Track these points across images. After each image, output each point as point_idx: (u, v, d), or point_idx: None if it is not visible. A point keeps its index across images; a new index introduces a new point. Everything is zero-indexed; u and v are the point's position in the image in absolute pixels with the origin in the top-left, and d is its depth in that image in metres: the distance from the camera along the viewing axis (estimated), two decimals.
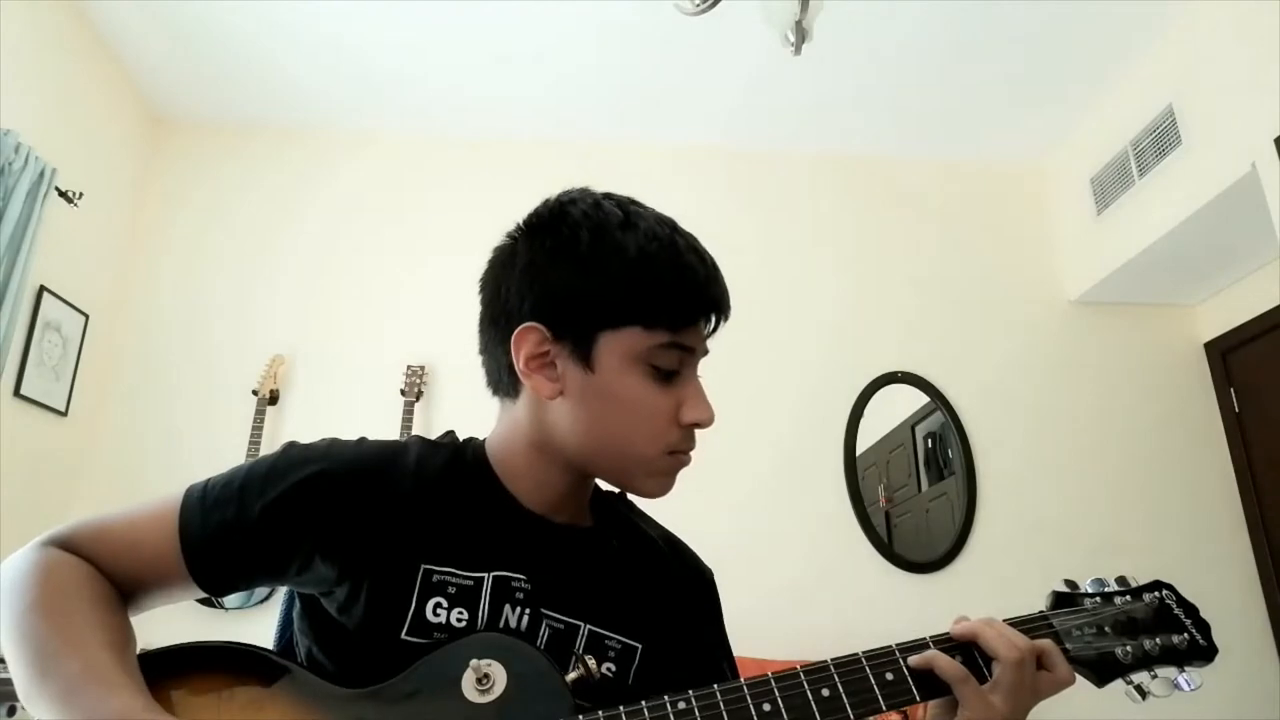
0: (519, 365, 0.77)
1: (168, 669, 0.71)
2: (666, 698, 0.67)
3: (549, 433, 0.80)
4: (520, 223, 0.82)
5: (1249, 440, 3.08)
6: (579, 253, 0.76)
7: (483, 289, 0.84)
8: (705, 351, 0.81)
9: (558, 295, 0.76)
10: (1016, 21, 2.76)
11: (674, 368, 0.77)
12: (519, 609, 0.76)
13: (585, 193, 0.81)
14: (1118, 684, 0.76)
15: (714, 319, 0.80)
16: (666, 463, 0.79)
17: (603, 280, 0.75)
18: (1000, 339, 3.30)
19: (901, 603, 2.94)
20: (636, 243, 0.76)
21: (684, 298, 0.76)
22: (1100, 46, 2.87)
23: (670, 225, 0.80)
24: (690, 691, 0.68)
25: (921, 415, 3.22)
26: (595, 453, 0.79)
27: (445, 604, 0.75)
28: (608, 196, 0.81)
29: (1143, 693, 0.75)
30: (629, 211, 0.78)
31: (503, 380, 0.83)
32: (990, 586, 2.93)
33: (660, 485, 0.80)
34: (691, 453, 0.80)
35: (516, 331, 0.77)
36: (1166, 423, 3.19)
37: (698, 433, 0.81)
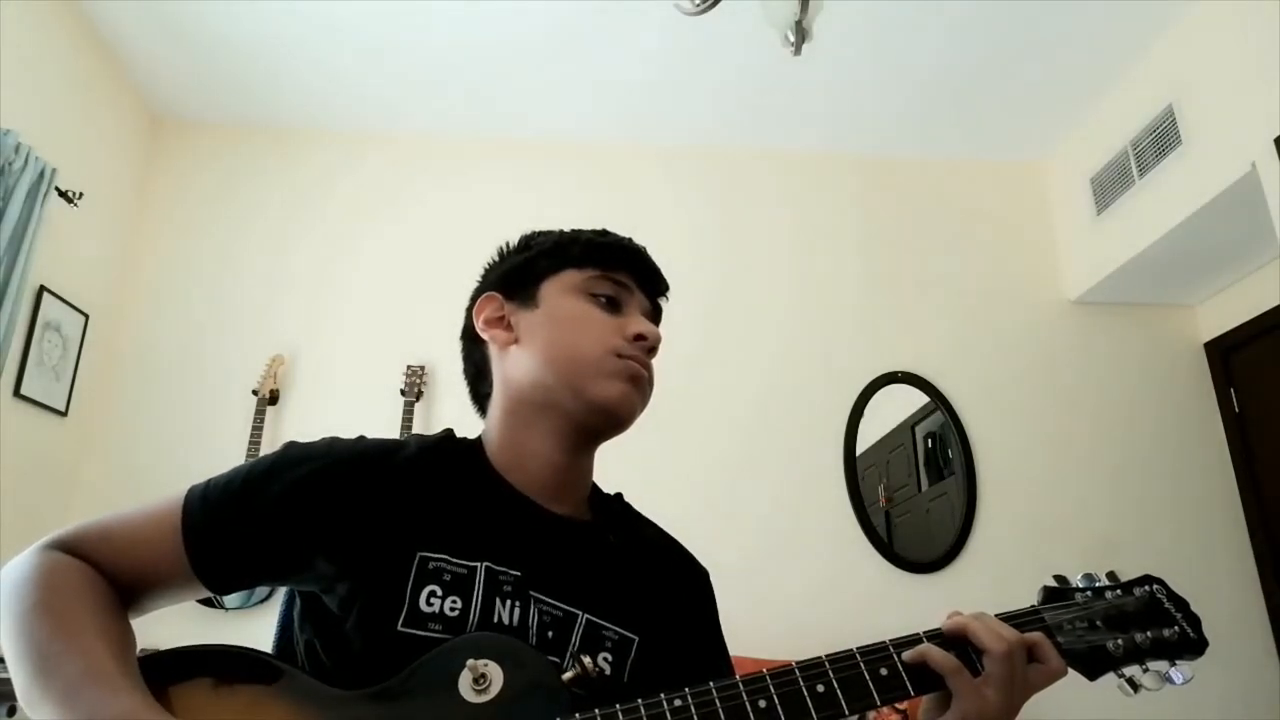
0: (479, 325, 0.92)
1: (167, 672, 0.71)
2: (663, 695, 0.67)
3: (516, 383, 0.87)
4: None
5: (1249, 440, 3.07)
6: (521, 245, 0.96)
7: (462, 332, 0.97)
8: (648, 311, 0.92)
9: (506, 270, 0.94)
10: (1016, 22, 2.76)
11: (611, 294, 0.89)
12: (509, 601, 0.77)
13: None
14: (1110, 677, 0.76)
15: (640, 273, 0.92)
16: (615, 364, 0.84)
17: (540, 248, 0.93)
18: (1000, 339, 3.29)
19: (901, 603, 2.94)
20: (566, 229, 0.95)
21: (606, 245, 0.92)
22: (1100, 46, 2.87)
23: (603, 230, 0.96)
24: (686, 689, 0.68)
25: (921, 415, 3.22)
26: (553, 372, 0.84)
27: (439, 592, 0.75)
28: None
29: (1134, 685, 0.75)
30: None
31: (481, 374, 0.93)
32: (990, 586, 2.93)
33: (618, 389, 0.84)
34: (646, 372, 0.87)
35: (477, 301, 0.93)
36: (1166, 423, 3.19)
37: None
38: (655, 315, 0.94)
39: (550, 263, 0.90)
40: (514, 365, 0.88)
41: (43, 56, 2.71)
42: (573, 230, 0.95)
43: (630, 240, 0.94)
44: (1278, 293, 2.91)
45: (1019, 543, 3.02)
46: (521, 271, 0.92)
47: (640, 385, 0.86)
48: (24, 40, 2.59)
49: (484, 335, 0.91)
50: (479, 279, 0.97)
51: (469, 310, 0.95)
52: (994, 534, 3.06)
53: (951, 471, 3.15)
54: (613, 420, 0.85)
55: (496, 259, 0.97)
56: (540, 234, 0.96)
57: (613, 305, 0.88)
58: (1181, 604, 0.81)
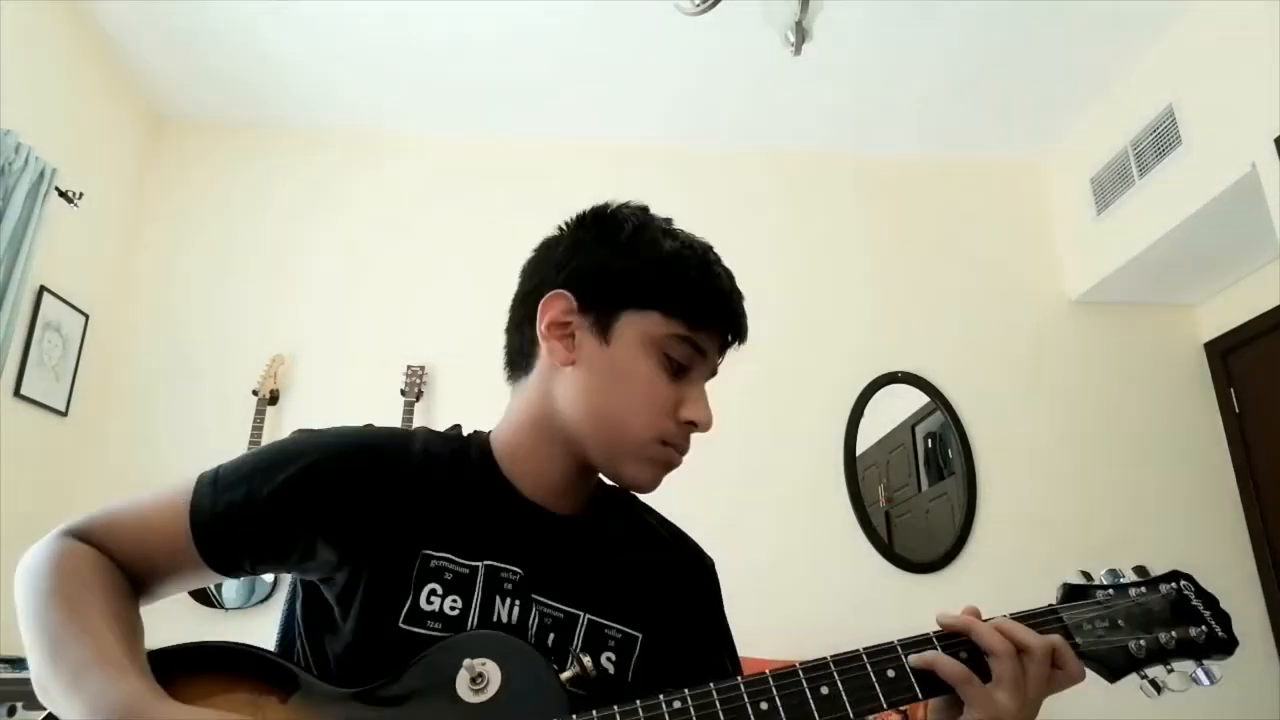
0: (541, 327, 0.82)
1: (168, 668, 0.71)
2: (662, 697, 0.67)
3: (554, 404, 0.82)
4: (571, 217, 0.87)
5: (1249, 440, 3.07)
6: (619, 239, 0.82)
7: (522, 273, 0.88)
8: (714, 370, 0.85)
9: (591, 269, 0.82)
10: (1016, 22, 2.76)
11: (685, 362, 0.80)
12: (509, 600, 0.77)
13: (636, 205, 0.87)
14: (1131, 678, 0.73)
15: (730, 335, 0.84)
16: (657, 451, 0.80)
17: (636, 263, 0.81)
18: (1000, 339, 3.29)
19: (901, 603, 2.94)
20: (673, 244, 0.82)
21: (707, 297, 0.81)
22: (1100, 46, 2.87)
23: (707, 246, 0.85)
24: (686, 690, 0.67)
25: (921, 415, 3.22)
26: (593, 427, 0.80)
27: (440, 591, 0.75)
28: (654, 213, 0.87)
29: (1158, 687, 0.72)
30: (671, 224, 0.86)
31: (522, 353, 0.86)
32: (990, 586, 2.92)
33: (648, 475, 0.82)
34: (683, 456, 0.82)
35: (546, 296, 0.82)
36: (1166, 423, 3.19)
37: (698, 437, 0.82)
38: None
39: (640, 296, 0.79)
40: (561, 387, 0.81)
41: (43, 56, 2.70)
42: (679, 254, 0.81)
43: (734, 292, 0.84)
44: (1278, 293, 2.91)
45: (1019, 543, 3.02)
46: (605, 283, 0.81)
47: (671, 468, 0.83)
48: (24, 40, 2.58)
49: (542, 341, 0.82)
50: (545, 250, 0.86)
51: (532, 277, 0.86)
52: (994, 534, 3.06)
53: (951, 471, 3.15)
54: (632, 489, 0.85)
55: (577, 239, 0.84)
56: (638, 234, 0.82)
57: (680, 371, 0.81)
58: (1211, 601, 0.78)
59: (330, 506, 0.77)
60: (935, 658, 0.70)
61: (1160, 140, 2.81)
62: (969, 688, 0.69)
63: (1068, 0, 2.65)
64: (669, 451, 0.81)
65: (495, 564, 0.78)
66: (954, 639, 0.72)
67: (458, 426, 0.90)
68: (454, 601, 0.75)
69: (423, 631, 0.74)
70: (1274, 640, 2.92)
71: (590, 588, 0.81)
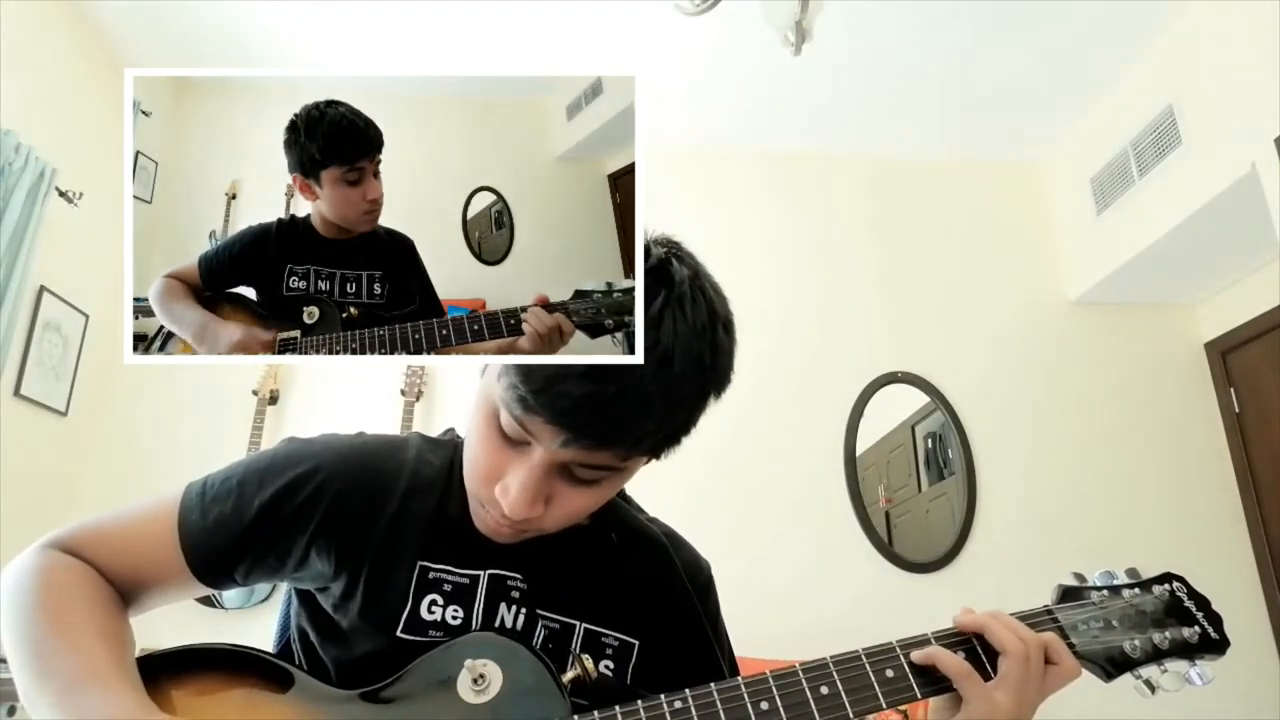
0: None
1: (166, 671, 0.71)
2: (663, 697, 0.67)
3: None
4: None
5: (1249, 440, 3.07)
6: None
7: None
8: (566, 457, 0.66)
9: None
10: (1017, 22, 2.76)
11: (513, 436, 0.67)
12: (515, 608, 0.76)
13: None
14: (1126, 678, 0.74)
15: (571, 433, 0.63)
16: (479, 509, 0.74)
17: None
18: (1000, 339, 3.29)
19: (901, 602, 2.94)
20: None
21: (543, 383, 0.63)
22: (1100, 46, 2.87)
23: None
24: (687, 691, 0.67)
25: (921, 415, 3.22)
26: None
27: (440, 601, 0.75)
28: None
29: (1152, 687, 0.74)
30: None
31: None
32: (990, 586, 2.93)
33: (483, 525, 0.74)
34: (511, 529, 0.71)
35: None
36: (1166, 423, 3.19)
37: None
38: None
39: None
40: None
41: (43, 56, 2.70)
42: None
43: (594, 395, 0.62)
44: (1278, 293, 2.91)
45: (1019, 543, 3.02)
46: None
47: (500, 536, 0.74)
48: (23, 40, 2.58)
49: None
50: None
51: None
52: (994, 534, 3.06)
53: (951, 471, 3.15)
54: None
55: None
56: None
57: (518, 442, 0.68)
58: (1203, 602, 0.79)
59: (322, 518, 0.75)
60: (937, 652, 0.70)
61: (1160, 140, 2.81)
62: (969, 683, 0.68)
63: (1068, 0, 2.66)
64: (488, 516, 0.72)
65: (499, 573, 0.77)
66: (953, 638, 0.73)
67: (451, 431, 0.89)
68: (455, 611, 0.75)
69: (423, 640, 0.73)
70: (1274, 640, 2.92)
71: (586, 596, 0.80)
